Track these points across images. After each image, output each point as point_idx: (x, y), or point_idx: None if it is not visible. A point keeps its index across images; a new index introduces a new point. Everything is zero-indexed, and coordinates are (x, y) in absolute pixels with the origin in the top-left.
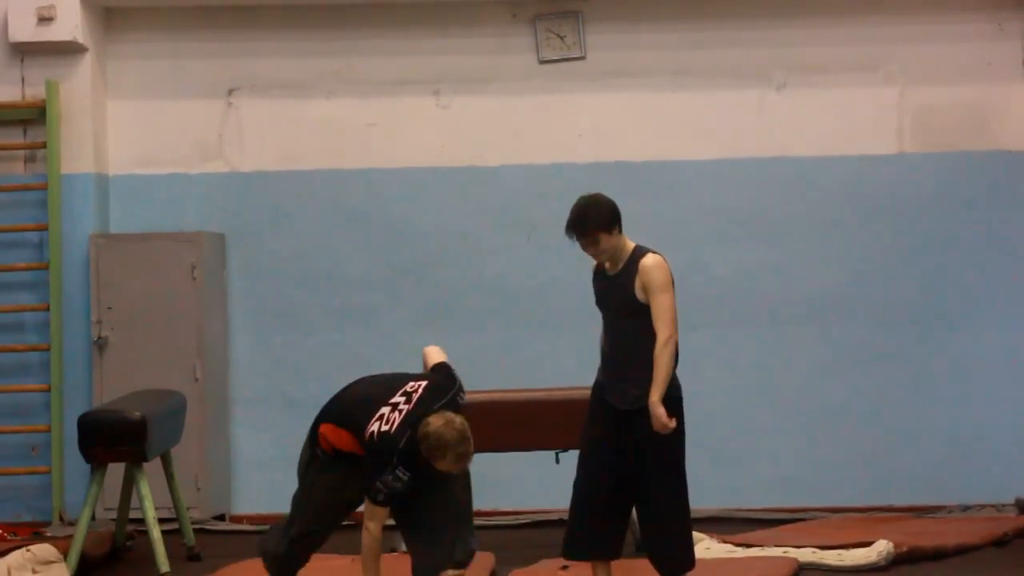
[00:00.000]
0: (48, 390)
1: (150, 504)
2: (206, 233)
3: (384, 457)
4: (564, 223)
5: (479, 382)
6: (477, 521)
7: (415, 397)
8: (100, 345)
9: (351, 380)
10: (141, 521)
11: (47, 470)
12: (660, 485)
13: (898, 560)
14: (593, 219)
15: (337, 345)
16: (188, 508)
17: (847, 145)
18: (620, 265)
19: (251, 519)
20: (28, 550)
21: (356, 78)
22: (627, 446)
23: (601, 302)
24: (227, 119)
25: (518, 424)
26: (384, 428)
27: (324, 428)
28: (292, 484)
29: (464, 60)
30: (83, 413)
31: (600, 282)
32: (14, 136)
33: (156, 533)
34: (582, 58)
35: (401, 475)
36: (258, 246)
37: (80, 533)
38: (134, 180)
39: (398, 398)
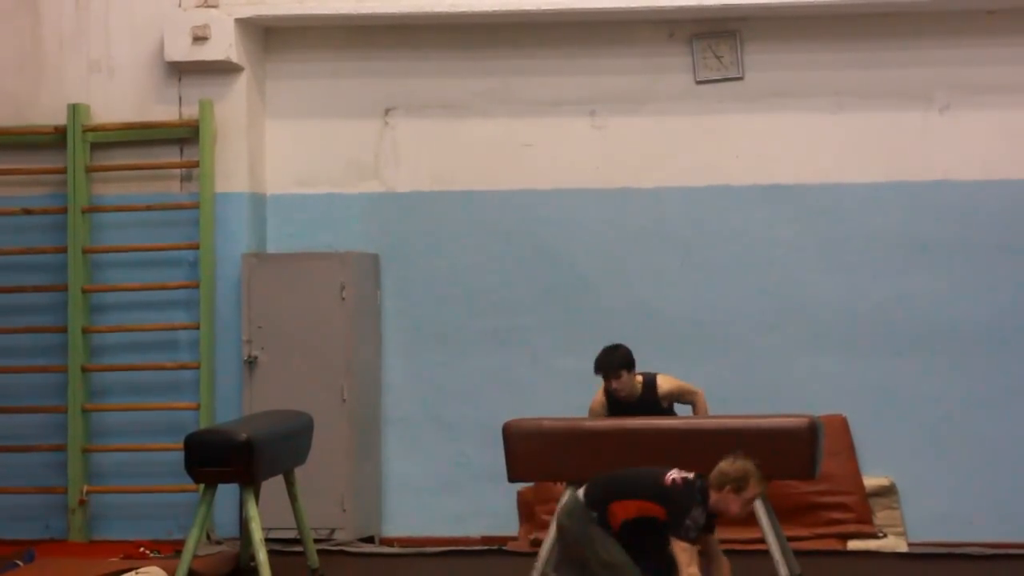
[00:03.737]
0: (197, 408)
1: (257, 526)
2: (355, 253)
3: (688, 498)
4: (720, 246)
5: None
6: None
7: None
8: (250, 364)
9: (503, 403)
10: (275, 541)
11: (196, 489)
12: None
13: None
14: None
15: (489, 367)
16: (333, 529)
17: (1013, 169)
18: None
19: (401, 541)
20: (137, 573)
21: (511, 98)
22: None
23: None
24: (383, 139)
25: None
26: (680, 477)
27: (615, 506)
28: (443, 507)
29: (620, 80)
30: (190, 433)
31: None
32: (171, 155)
33: (263, 556)
34: (740, 78)
35: (701, 514)
36: (412, 266)
37: (187, 553)
38: (291, 200)
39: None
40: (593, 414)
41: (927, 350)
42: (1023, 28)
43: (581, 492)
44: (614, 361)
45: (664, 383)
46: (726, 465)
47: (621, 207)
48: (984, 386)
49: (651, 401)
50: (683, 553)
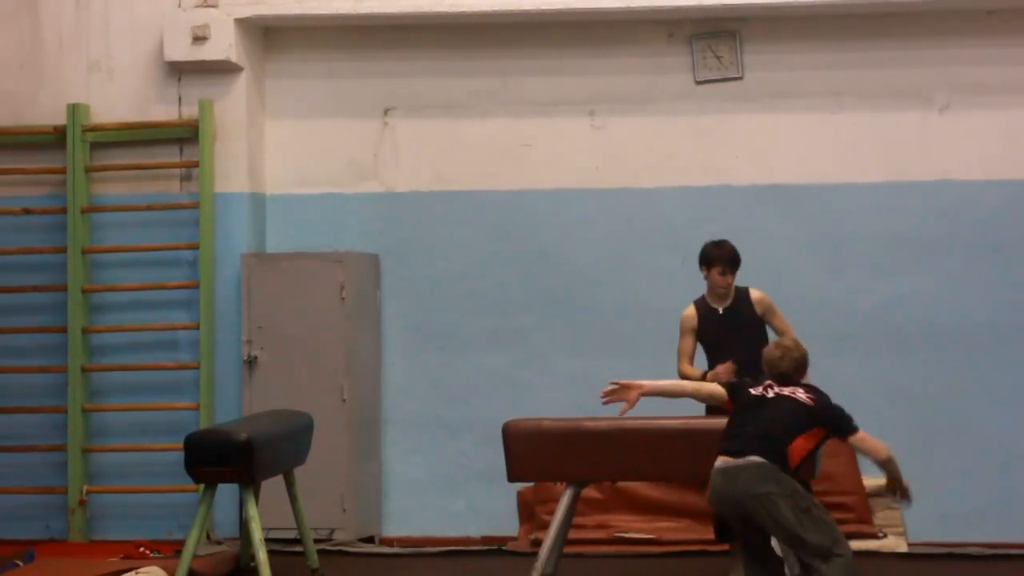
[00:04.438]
0: (197, 408)
1: (257, 526)
2: (355, 253)
3: (828, 400)
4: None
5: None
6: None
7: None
8: (250, 364)
9: (503, 403)
10: (275, 541)
11: (195, 489)
12: None
13: None
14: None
15: (489, 367)
16: (333, 529)
17: (1013, 169)
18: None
19: (401, 541)
20: (137, 573)
21: (511, 98)
22: None
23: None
24: (383, 139)
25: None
26: (809, 394)
27: (792, 448)
28: (443, 507)
29: (619, 80)
30: (190, 433)
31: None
32: (170, 155)
33: (263, 555)
34: (739, 78)
35: None
36: (412, 266)
37: (187, 553)
38: (291, 200)
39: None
40: (687, 329)
41: (927, 350)
42: (1023, 28)
43: (755, 456)
44: (734, 255)
45: (755, 292)
46: (792, 352)
47: (621, 207)
48: (984, 386)
49: (745, 307)
50: (869, 439)
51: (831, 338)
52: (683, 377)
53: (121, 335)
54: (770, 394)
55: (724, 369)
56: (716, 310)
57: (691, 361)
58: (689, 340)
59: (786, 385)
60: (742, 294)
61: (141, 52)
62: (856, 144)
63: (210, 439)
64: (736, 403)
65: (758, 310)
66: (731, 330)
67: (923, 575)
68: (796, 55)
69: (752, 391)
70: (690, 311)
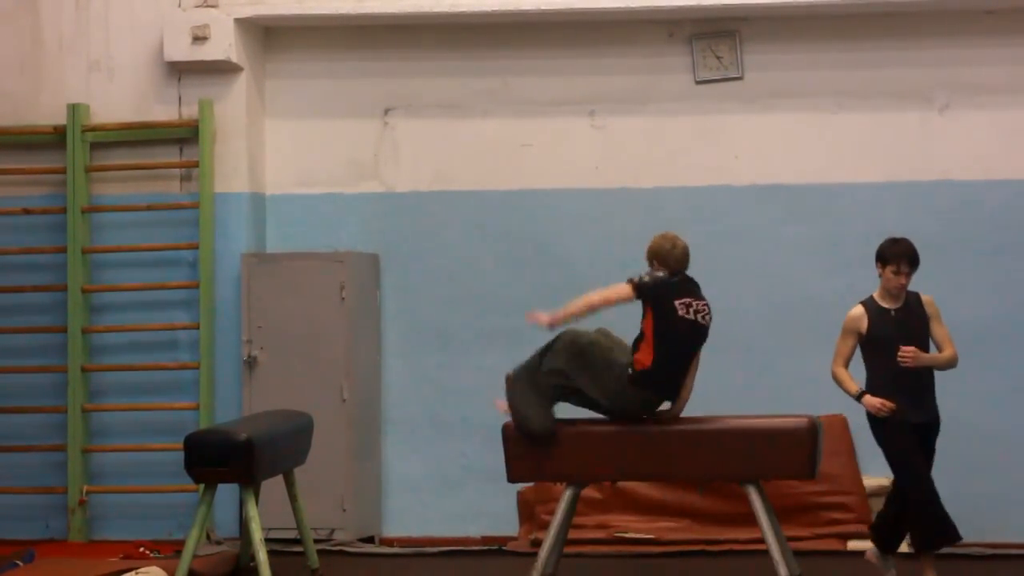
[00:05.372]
0: (197, 408)
1: (257, 526)
2: (355, 253)
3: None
4: (720, 246)
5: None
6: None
7: None
8: (250, 364)
9: None
10: (275, 541)
11: (195, 489)
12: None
13: None
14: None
15: (489, 367)
16: (333, 529)
17: (1012, 169)
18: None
19: (401, 541)
20: (137, 573)
21: (511, 98)
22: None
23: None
24: (383, 139)
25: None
26: None
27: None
28: (443, 507)
29: (619, 80)
30: (190, 433)
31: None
32: (170, 155)
33: (263, 555)
34: (739, 78)
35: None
36: (412, 266)
37: (187, 553)
38: (291, 200)
39: None
40: (851, 330)
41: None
42: (1023, 28)
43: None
44: (913, 253)
45: (926, 296)
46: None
47: (621, 207)
48: (984, 385)
49: (918, 308)
50: None
51: (831, 338)
52: (837, 380)
53: (121, 335)
54: (697, 318)
55: (880, 405)
56: (888, 310)
57: (847, 364)
58: (851, 341)
59: (695, 293)
60: (912, 297)
61: (141, 52)
62: (856, 144)
63: (210, 439)
64: (668, 324)
65: (928, 312)
66: (905, 331)
67: (923, 575)
68: (796, 55)
69: (681, 313)
70: (858, 311)
